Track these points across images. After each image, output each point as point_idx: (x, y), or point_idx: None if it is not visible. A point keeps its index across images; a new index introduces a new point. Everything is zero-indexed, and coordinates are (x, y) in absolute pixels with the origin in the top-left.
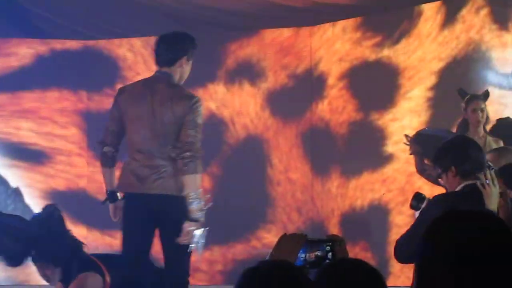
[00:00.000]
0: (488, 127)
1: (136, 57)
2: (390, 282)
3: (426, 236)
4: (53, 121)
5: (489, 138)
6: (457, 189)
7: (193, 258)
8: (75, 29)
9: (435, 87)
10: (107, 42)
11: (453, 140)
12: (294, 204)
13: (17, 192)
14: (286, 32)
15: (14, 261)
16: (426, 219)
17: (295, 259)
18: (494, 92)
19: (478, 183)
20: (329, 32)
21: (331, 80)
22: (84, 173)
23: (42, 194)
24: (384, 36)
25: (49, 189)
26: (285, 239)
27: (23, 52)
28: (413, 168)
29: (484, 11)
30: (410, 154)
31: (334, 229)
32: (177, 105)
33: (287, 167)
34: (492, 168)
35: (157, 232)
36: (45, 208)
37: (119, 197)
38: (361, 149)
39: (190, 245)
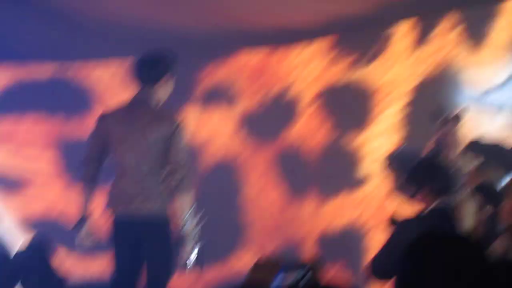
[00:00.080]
0: (462, 147)
1: (113, 79)
2: None
3: (404, 257)
4: (29, 146)
5: (464, 157)
6: (429, 209)
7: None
8: (50, 51)
9: (409, 107)
10: (83, 64)
11: (427, 160)
12: (271, 225)
13: None
14: (259, 54)
15: None
16: (398, 240)
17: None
18: (468, 110)
19: (452, 201)
20: (304, 53)
21: (305, 101)
22: (60, 197)
23: (19, 219)
24: (358, 57)
25: (25, 214)
26: (259, 266)
27: None
28: (388, 188)
29: (457, 30)
30: (387, 171)
31: (311, 250)
32: (163, 125)
33: (264, 188)
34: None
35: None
36: (33, 240)
37: (86, 226)
38: (337, 170)
39: (187, 263)
